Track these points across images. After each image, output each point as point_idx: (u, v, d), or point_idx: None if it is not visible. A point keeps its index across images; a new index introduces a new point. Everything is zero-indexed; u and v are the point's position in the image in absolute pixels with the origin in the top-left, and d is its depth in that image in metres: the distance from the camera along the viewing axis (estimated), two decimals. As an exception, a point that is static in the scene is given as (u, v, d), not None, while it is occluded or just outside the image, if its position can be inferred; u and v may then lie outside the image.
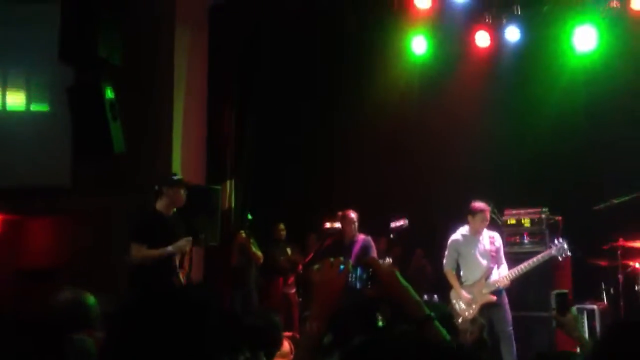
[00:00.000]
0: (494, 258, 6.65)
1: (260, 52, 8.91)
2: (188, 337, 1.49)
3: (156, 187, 5.96)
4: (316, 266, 2.08)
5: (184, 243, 5.86)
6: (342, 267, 2.03)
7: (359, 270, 2.05)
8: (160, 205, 5.91)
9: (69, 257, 7.15)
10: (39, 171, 7.29)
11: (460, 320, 6.53)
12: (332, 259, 2.06)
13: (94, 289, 3.59)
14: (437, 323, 2.01)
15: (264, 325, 3.51)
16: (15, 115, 7.44)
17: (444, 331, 2.01)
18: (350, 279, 2.03)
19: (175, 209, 5.98)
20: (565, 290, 3.55)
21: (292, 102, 9.28)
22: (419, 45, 8.83)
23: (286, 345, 7.45)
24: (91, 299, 3.47)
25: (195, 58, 8.22)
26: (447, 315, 3.06)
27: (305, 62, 9.12)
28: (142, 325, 1.52)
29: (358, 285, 2.04)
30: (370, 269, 2.05)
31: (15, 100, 7.45)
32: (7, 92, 7.42)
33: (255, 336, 3.35)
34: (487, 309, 6.56)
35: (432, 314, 2.03)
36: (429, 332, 1.96)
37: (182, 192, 5.95)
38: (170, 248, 5.77)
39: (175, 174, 6.43)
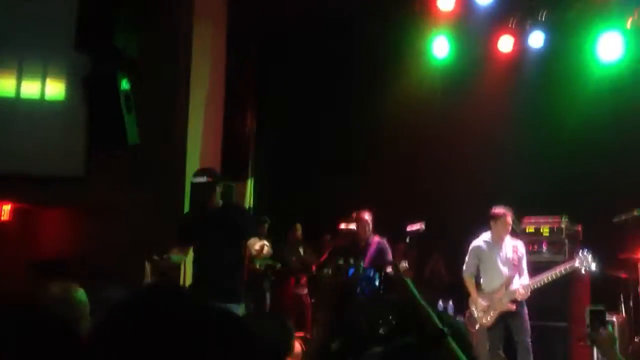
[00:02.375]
0: (515, 267, 6.50)
1: (279, 51, 8.85)
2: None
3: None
4: (325, 270, 1.96)
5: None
6: (351, 270, 1.90)
7: (371, 273, 1.93)
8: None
9: (80, 249, 7.08)
10: (52, 160, 7.23)
11: (477, 327, 6.39)
12: (341, 262, 1.93)
13: (105, 282, 3.51)
14: (450, 340, 1.87)
15: (278, 331, 3.35)
16: (30, 103, 7.39)
17: (458, 351, 1.87)
18: (361, 284, 1.92)
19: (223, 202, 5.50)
20: (602, 307, 3.36)
21: (311, 103, 9.21)
22: (440, 48, 8.73)
23: (297, 347, 7.31)
24: (81, 293, 3.33)
25: (214, 52, 8.17)
26: (461, 331, 2.92)
27: (324, 62, 9.04)
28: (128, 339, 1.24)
29: (368, 290, 1.93)
30: (383, 273, 1.93)
31: (31, 88, 7.41)
32: (23, 80, 7.38)
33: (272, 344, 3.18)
34: (506, 318, 6.41)
35: (446, 329, 1.88)
36: (443, 349, 1.81)
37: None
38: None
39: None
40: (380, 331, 2.39)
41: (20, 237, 7.52)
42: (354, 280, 1.70)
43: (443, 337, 1.84)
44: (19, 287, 6.79)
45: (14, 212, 7.63)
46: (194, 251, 5.52)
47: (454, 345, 1.85)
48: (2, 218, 7.63)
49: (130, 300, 1.32)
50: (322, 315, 1.86)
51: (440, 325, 1.87)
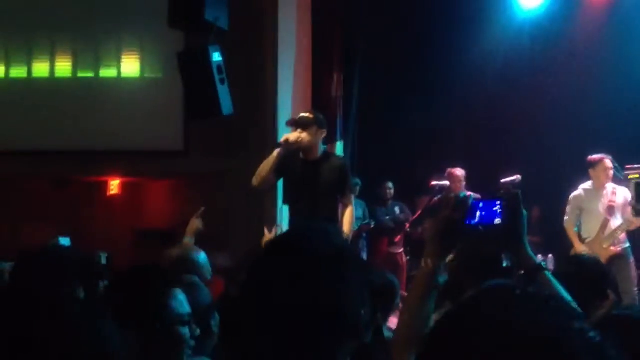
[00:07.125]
0: (611, 209, 6.31)
1: (364, 10, 8.79)
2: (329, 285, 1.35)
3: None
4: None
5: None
6: (460, 198, 1.91)
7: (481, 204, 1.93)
8: None
9: (185, 218, 7.40)
10: (153, 135, 7.57)
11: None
12: (452, 195, 1.96)
13: (209, 249, 3.70)
14: (548, 273, 1.89)
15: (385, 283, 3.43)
16: (130, 81, 7.74)
17: (555, 282, 1.89)
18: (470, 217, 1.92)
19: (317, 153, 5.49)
20: None
21: (396, 61, 9.14)
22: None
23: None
24: (202, 256, 3.51)
25: (299, 16, 8.21)
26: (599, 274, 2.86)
27: (407, 19, 8.93)
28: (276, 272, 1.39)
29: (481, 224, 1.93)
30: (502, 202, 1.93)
31: (130, 67, 7.74)
32: (122, 61, 7.71)
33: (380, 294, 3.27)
34: (611, 267, 6.24)
35: (543, 263, 1.92)
36: (540, 282, 1.84)
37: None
38: None
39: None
40: (504, 264, 2.40)
41: (128, 208, 7.95)
42: (463, 213, 1.73)
43: (540, 270, 1.87)
44: (130, 255, 7.21)
45: (122, 186, 8.07)
46: None
47: (551, 277, 1.88)
48: (112, 192, 8.08)
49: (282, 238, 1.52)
50: (431, 250, 1.92)
51: (536, 260, 1.91)
